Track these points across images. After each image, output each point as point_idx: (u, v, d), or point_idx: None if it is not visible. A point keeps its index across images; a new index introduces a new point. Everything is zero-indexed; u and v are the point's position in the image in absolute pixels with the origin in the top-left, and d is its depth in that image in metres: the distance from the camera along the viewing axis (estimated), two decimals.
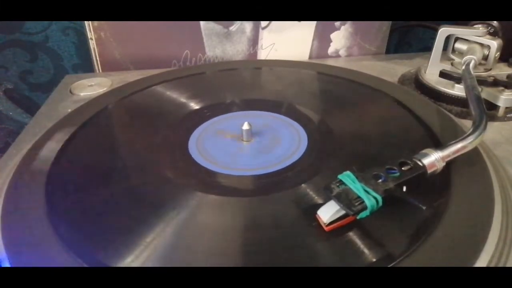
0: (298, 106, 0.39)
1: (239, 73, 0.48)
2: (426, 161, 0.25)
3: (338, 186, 0.23)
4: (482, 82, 0.38)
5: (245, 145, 0.33)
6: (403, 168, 0.25)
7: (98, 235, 0.24)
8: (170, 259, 0.22)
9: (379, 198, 0.22)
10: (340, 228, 0.23)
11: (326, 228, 0.23)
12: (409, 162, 0.25)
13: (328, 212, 0.23)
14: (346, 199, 0.23)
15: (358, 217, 0.23)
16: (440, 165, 0.25)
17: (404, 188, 0.24)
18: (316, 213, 0.24)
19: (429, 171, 0.25)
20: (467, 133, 0.27)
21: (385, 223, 0.24)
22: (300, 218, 0.25)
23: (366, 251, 0.22)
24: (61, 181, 0.29)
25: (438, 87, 0.41)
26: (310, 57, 0.56)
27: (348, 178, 0.24)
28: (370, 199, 0.22)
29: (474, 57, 0.39)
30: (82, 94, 0.45)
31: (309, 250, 0.23)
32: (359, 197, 0.23)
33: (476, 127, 0.28)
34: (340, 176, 0.24)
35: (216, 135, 0.35)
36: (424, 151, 0.26)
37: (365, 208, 0.22)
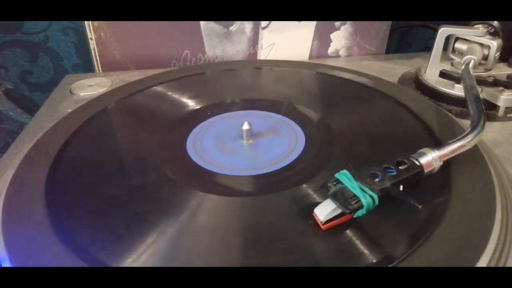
0: (298, 106, 0.39)
1: (239, 73, 0.48)
2: (423, 160, 0.25)
3: (335, 185, 0.24)
4: (482, 82, 0.38)
5: (245, 145, 0.33)
6: (400, 167, 0.25)
7: (98, 235, 0.24)
8: (169, 259, 0.22)
9: (375, 196, 0.22)
10: (340, 228, 0.23)
11: (322, 227, 0.23)
12: (406, 161, 0.25)
13: (324, 211, 0.23)
14: (343, 197, 0.23)
15: (354, 216, 0.23)
16: (438, 164, 0.26)
17: (401, 187, 0.24)
18: (313, 212, 0.24)
19: (426, 170, 0.25)
20: (465, 133, 0.27)
21: (385, 222, 0.24)
22: (300, 218, 0.25)
23: (366, 251, 0.22)
24: (61, 181, 0.29)
25: (438, 87, 0.41)
26: (310, 57, 0.56)
27: (344, 176, 0.24)
28: (366, 197, 0.22)
29: (474, 57, 0.39)
30: (82, 94, 0.45)
31: (310, 250, 0.23)
32: (355, 195, 0.23)
33: (474, 126, 0.28)
34: (337, 175, 0.24)
35: (216, 135, 0.35)
36: (422, 150, 0.26)
37: (361, 206, 0.22)
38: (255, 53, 0.55)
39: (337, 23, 0.54)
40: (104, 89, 0.45)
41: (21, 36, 0.56)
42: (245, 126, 0.33)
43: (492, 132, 0.36)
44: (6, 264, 0.22)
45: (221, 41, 0.53)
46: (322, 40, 0.55)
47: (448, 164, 0.27)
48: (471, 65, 0.38)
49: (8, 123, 0.57)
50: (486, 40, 0.41)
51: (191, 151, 0.32)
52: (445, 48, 0.43)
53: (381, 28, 0.56)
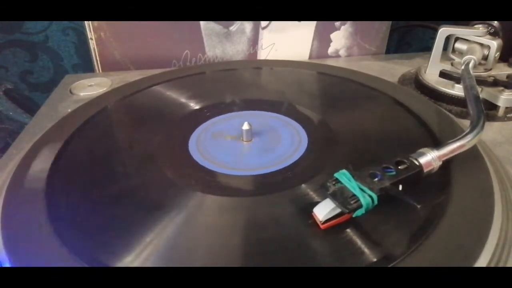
0: (298, 106, 0.39)
1: (239, 73, 0.48)
2: (422, 160, 0.25)
3: (334, 185, 0.24)
4: (482, 82, 0.38)
5: (245, 145, 0.33)
6: (399, 167, 0.25)
7: (98, 235, 0.24)
8: (170, 259, 0.22)
9: (375, 196, 0.22)
10: (339, 228, 0.23)
11: (321, 226, 0.23)
12: (405, 161, 0.25)
13: (323, 210, 0.23)
14: (342, 197, 0.23)
15: (353, 215, 0.23)
16: (437, 164, 0.26)
17: (400, 187, 0.24)
18: (312, 211, 0.24)
19: (425, 170, 0.25)
20: (465, 133, 0.27)
21: (384, 222, 0.24)
22: (300, 218, 0.25)
23: (365, 251, 0.22)
24: (61, 181, 0.29)
25: (438, 87, 0.41)
26: (310, 57, 0.56)
27: (344, 176, 0.24)
28: (366, 197, 0.22)
29: (474, 57, 0.39)
30: (82, 94, 0.45)
31: (310, 251, 0.23)
32: (354, 195, 0.23)
33: (473, 126, 0.28)
34: (336, 175, 0.24)
35: (216, 135, 0.35)
36: (421, 150, 0.26)
37: (360, 206, 0.22)
38: (255, 53, 0.55)
39: (337, 23, 0.54)
40: (104, 89, 0.45)
41: (21, 36, 0.56)
42: (245, 126, 0.33)
43: (492, 132, 0.36)
44: (6, 264, 0.22)
45: (221, 41, 0.53)
46: (322, 40, 0.55)
47: (447, 164, 0.27)
48: (471, 65, 0.38)
49: (8, 123, 0.57)
50: (486, 40, 0.41)
51: (192, 151, 0.32)
52: (445, 48, 0.43)
53: (381, 28, 0.56)
